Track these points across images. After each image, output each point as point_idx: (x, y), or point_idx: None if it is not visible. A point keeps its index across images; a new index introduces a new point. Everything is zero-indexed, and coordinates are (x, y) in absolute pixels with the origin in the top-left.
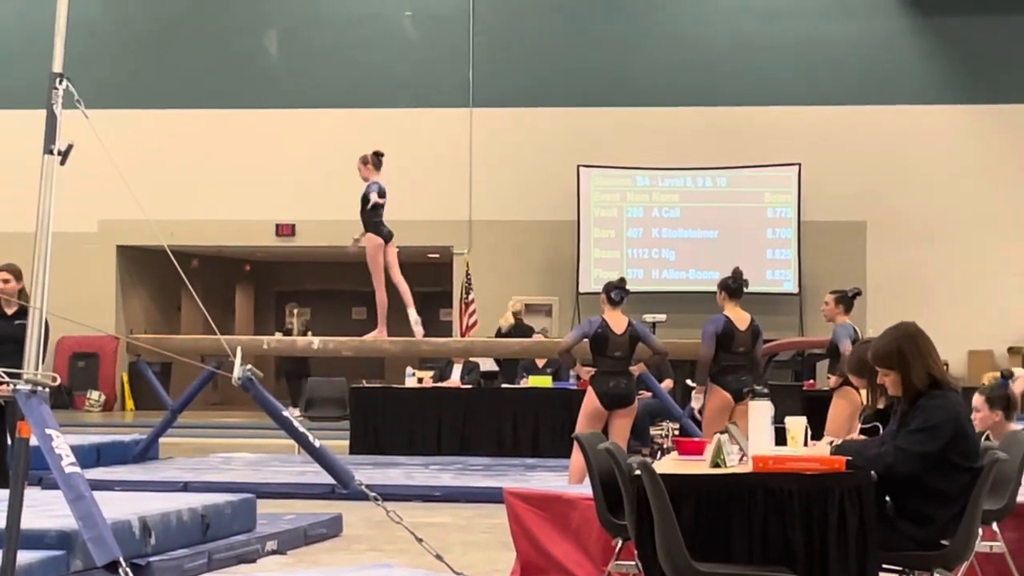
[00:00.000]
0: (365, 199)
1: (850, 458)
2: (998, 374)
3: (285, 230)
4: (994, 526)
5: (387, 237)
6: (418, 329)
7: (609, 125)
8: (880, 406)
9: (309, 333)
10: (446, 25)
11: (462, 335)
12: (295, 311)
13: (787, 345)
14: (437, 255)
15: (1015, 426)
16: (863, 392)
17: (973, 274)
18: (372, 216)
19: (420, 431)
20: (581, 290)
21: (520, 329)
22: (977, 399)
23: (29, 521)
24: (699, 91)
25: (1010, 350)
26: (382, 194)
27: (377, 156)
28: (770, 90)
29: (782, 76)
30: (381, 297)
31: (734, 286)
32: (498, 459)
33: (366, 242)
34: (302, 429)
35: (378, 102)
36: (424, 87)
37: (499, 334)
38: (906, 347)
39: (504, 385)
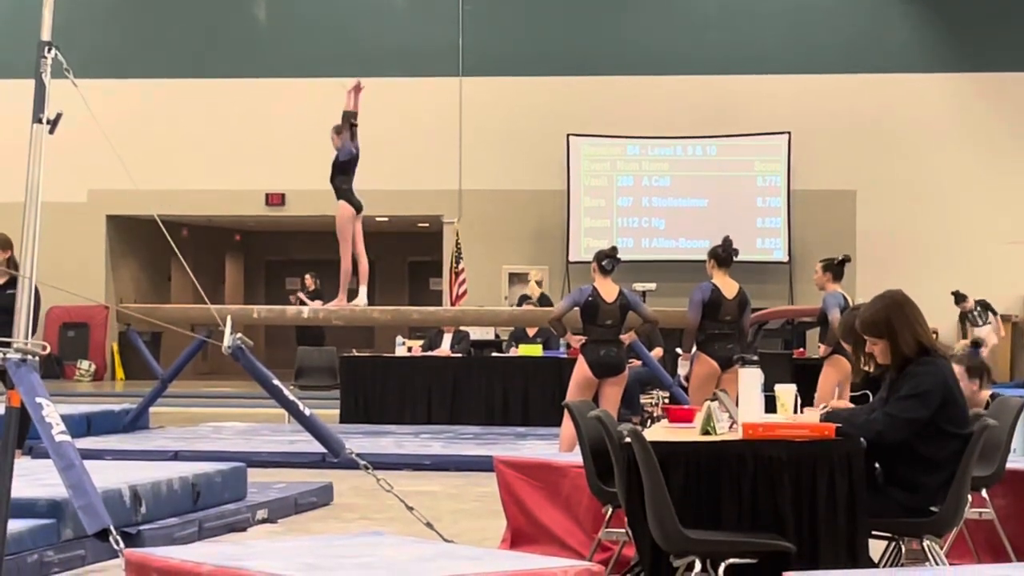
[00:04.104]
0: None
1: (840, 425)
2: (967, 343)
3: (275, 199)
4: (983, 493)
5: (358, 208)
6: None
7: (599, 94)
8: (870, 369)
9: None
10: None
11: (452, 304)
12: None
13: (777, 313)
14: (427, 224)
15: (986, 394)
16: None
17: (962, 242)
18: (343, 182)
19: (410, 400)
20: (571, 259)
21: (541, 298)
22: (957, 369)
23: (19, 490)
24: (689, 60)
25: (1000, 318)
26: (352, 158)
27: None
28: (760, 59)
29: (772, 45)
30: (346, 266)
31: (724, 255)
32: (488, 427)
33: (339, 210)
34: (292, 398)
35: (368, 71)
36: (414, 56)
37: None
38: (894, 315)
39: (494, 354)
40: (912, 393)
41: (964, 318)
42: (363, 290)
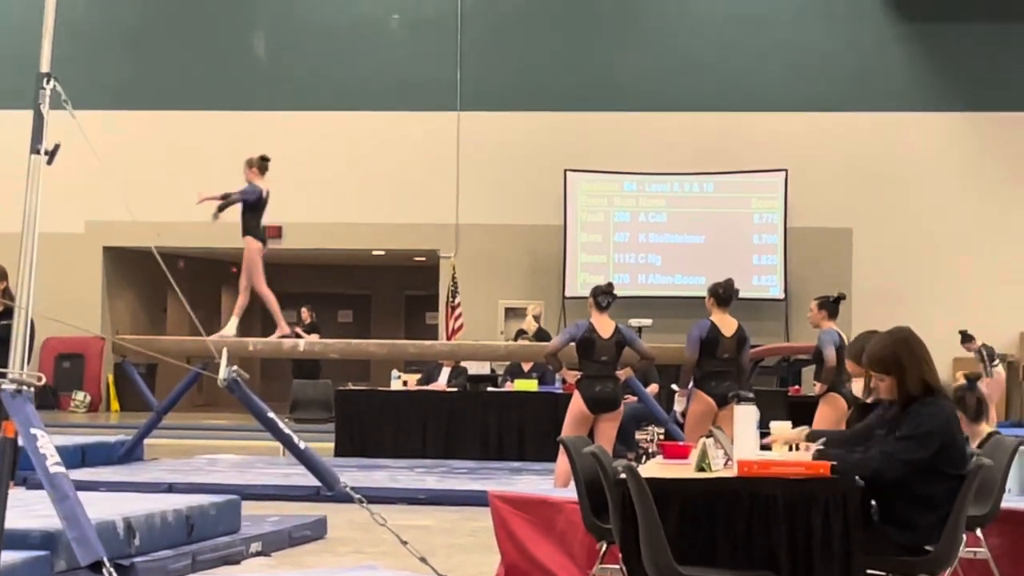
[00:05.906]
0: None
1: (835, 464)
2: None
3: (272, 232)
4: (978, 532)
5: (264, 243)
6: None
7: (596, 130)
8: (869, 401)
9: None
10: (433, 29)
11: (448, 338)
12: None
13: (772, 351)
14: (423, 258)
15: (984, 427)
16: (858, 384)
17: (958, 281)
18: (251, 219)
19: (405, 434)
20: (567, 294)
21: (539, 333)
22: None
23: (13, 521)
24: (686, 97)
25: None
26: (260, 199)
27: (263, 160)
28: (757, 97)
29: (769, 83)
30: (271, 297)
31: (724, 295)
32: (483, 462)
33: (246, 244)
34: (287, 431)
35: (365, 105)
36: (411, 90)
37: (518, 337)
38: (903, 352)
39: (490, 388)
40: (913, 434)
41: (982, 357)
42: (234, 320)
